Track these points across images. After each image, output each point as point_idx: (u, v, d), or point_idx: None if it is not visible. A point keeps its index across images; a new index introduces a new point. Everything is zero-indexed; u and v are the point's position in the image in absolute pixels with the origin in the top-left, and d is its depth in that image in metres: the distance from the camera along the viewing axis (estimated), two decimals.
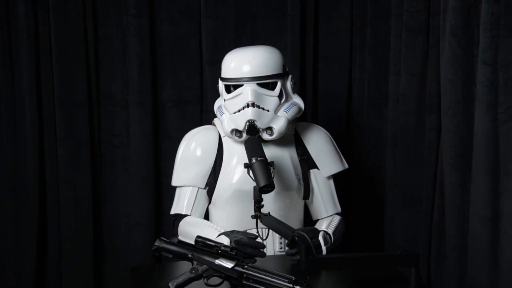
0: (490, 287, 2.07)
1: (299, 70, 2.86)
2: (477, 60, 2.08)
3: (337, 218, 2.35)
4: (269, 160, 2.11)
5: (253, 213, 2.09)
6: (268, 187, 2.04)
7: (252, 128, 2.19)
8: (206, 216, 2.39)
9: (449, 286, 2.30)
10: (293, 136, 2.36)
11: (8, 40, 2.67)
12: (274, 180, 2.23)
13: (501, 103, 2.00)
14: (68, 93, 2.74)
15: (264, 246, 2.01)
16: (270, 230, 2.20)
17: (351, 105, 2.96)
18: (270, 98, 2.24)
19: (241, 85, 2.23)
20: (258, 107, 2.20)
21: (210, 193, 2.33)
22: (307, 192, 2.35)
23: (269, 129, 2.22)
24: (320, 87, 2.95)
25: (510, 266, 2.00)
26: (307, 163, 2.36)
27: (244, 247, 1.99)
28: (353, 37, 2.91)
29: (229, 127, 2.23)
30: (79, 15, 2.73)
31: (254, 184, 2.07)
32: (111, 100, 2.83)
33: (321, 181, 2.37)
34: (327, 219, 2.36)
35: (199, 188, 2.32)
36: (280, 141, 2.30)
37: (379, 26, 2.74)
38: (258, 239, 2.25)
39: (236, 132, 2.23)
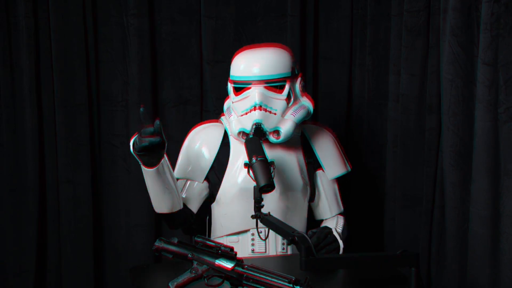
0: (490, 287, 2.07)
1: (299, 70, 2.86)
2: (477, 60, 2.08)
3: (342, 221, 2.37)
4: (270, 160, 2.12)
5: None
6: (268, 187, 2.04)
7: (258, 130, 2.19)
8: (209, 215, 2.40)
9: (449, 286, 2.30)
10: (300, 138, 2.36)
11: (8, 40, 2.67)
12: (279, 180, 2.23)
13: (501, 103, 2.00)
14: (68, 93, 2.74)
15: (159, 133, 2.03)
16: (271, 230, 2.20)
17: (351, 105, 2.96)
18: (278, 100, 2.24)
19: (249, 87, 2.24)
20: (266, 109, 2.21)
21: (214, 192, 2.33)
22: (313, 194, 2.36)
23: (276, 131, 2.23)
24: (320, 87, 2.95)
25: (510, 266, 2.00)
26: (313, 165, 2.37)
27: (144, 136, 2.03)
28: (353, 37, 2.91)
29: (236, 128, 2.24)
30: (79, 15, 2.73)
31: (255, 183, 2.07)
32: (111, 100, 2.83)
33: (326, 182, 2.38)
34: (332, 220, 2.36)
35: (197, 182, 2.34)
36: (287, 142, 2.30)
37: (379, 26, 2.74)
38: (258, 239, 2.26)
39: (244, 134, 2.23)
